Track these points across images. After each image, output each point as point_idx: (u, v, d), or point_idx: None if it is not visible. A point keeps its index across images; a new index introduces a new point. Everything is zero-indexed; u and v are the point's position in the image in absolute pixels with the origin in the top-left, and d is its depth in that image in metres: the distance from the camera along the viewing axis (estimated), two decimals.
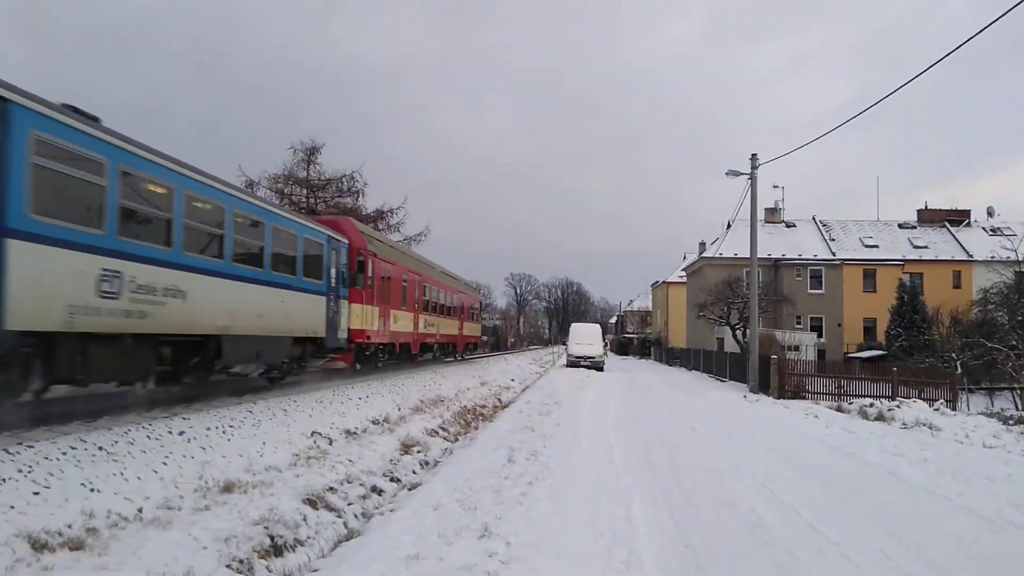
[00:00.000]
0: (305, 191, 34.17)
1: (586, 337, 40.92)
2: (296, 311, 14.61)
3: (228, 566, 5.93)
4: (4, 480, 6.06)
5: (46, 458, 6.72)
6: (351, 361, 19.03)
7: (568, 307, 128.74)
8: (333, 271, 16.77)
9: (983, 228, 52.94)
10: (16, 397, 7.98)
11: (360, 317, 18.62)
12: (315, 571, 5.94)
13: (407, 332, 24.02)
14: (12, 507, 5.72)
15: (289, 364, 15.39)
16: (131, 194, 9.33)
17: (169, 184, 10.20)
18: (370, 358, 20.64)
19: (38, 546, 5.37)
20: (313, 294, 15.58)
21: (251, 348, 12.86)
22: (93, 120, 8.87)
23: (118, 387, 9.99)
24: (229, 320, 11.77)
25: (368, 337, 19.50)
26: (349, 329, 17.87)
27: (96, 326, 8.57)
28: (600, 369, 38.34)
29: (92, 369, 8.88)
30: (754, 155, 26.64)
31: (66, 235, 8.07)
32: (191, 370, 11.30)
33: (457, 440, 13.98)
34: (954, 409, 21.29)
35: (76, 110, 8.61)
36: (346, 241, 17.96)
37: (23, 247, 7.39)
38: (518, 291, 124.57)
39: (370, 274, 19.23)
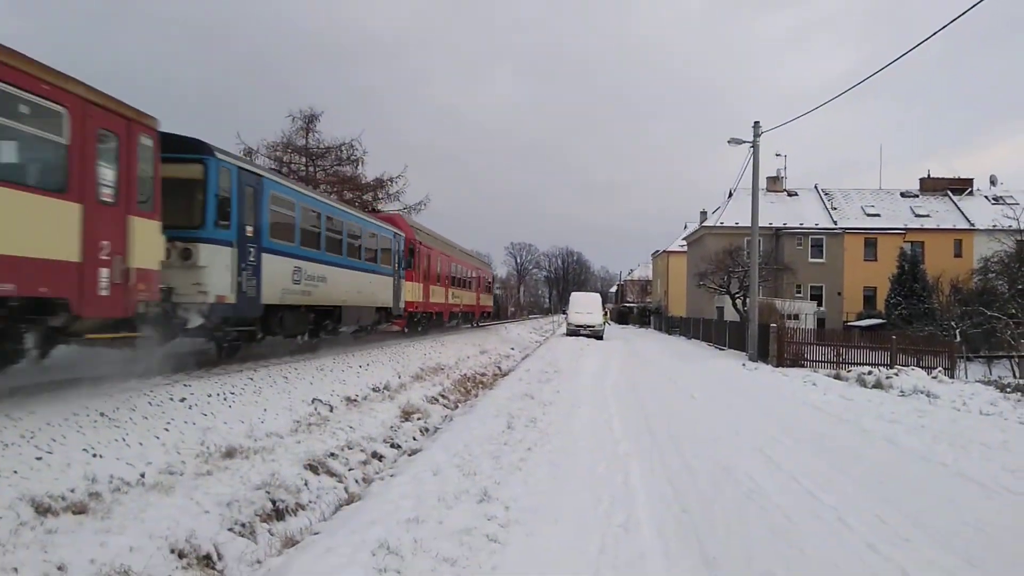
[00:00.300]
0: (304, 159, 33.96)
1: (586, 306, 40.94)
2: (378, 288, 19.96)
3: (230, 529, 6.01)
4: (6, 445, 6.10)
5: (48, 424, 6.75)
6: (403, 325, 24.62)
7: (568, 276, 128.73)
8: (396, 257, 21.89)
9: (985, 197, 52.66)
10: (254, 342, 13.66)
11: (411, 292, 24.02)
12: (316, 534, 6.00)
13: (440, 303, 29.23)
14: (15, 472, 5.76)
15: (371, 326, 20.59)
16: (303, 219, 14.60)
17: (318, 209, 15.64)
18: (415, 324, 25.94)
19: (41, 510, 5.42)
20: (386, 276, 20.84)
21: (356, 315, 18.39)
22: (286, 176, 14.39)
23: (285, 337, 14.79)
24: (345, 296, 17.17)
25: (416, 307, 24.87)
26: (405, 301, 23.08)
27: (291, 300, 13.94)
28: (600, 338, 38.44)
29: (285, 326, 14.15)
30: (756, 123, 26.44)
31: (282, 248, 13.45)
32: (323, 329, 16.57)
33: (457, 407, 14.07)
34: (952, 377, 21.39)
35: (280, 172, 13.61)
36: (403, 234, 23.08)
37: (268, 257, 12.76)
38: (518, 260, 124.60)
39: (417, 259, 24.73)
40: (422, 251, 25.56)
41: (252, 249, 12.20)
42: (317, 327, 16.16)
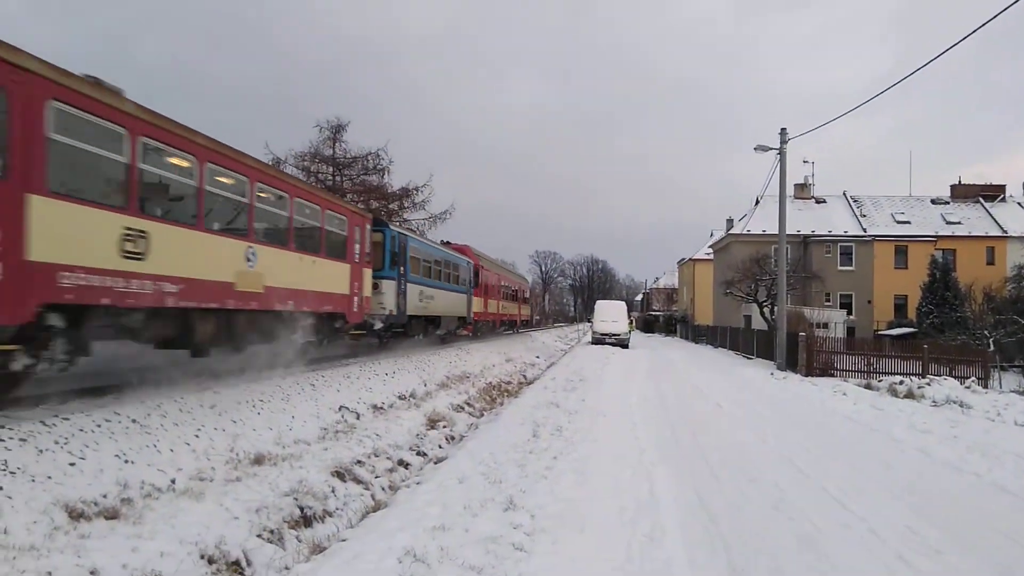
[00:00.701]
0: (331, 169, 34.31)
1: (611, 314, 40.78)
2: (459, 303, 27.56)
3: (259, 536, 6.07)
4: (41, 451, 6.22)
5: (81, 430, 6.88)
6: (471, 330, 31.47)
7: (593, 284, 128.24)
8: (468, 279, 29.31)
9: (1018, 203, 51.69)
10: (403, 338, 21.36)
11: (477, 305, 31.52)
12: (343, 541, 6.05)
13: (494, 313, 36.98)
14: (49, 477, 5.88)
15: (454, 331, 28.38)
16: (423, 258, 22.21)
17: (431, 251, 23.84)
18: (477, 329, 33.32)
19: (75, 515, 5.52)
20: (463, 294, 28.43)
21: (447, 322, 26.27)
22: (412, 232, 24.28)
23: (411, 336, 21.91)
24: (443, 309, 24.83)
25: (479, 317, 32.40)
26: (473, 312, 30.50)
27: (418, 312, 21.45)
28: (625, 346, 38.25)
29: (414, 329, 21.81)
30: (783, 129, 26.23)
31: (415, 279, 20.74)
32: (429, 331, 24.14)
33: (482, 415, 14.09)
34: (986, 387, 20.99)
35: (410, 228, 27.25)
36: (472, 262, 30.53)
37: (410, 286, 20.01)
38: (543, 268, 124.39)
39: (480, 280, 32.15)
40: (483, 274, 33.09)
41: (403, 281, 19.76)
42: (426, 330, 23.90)
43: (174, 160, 9.32)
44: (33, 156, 6.95)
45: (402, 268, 19.57)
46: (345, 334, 16.52)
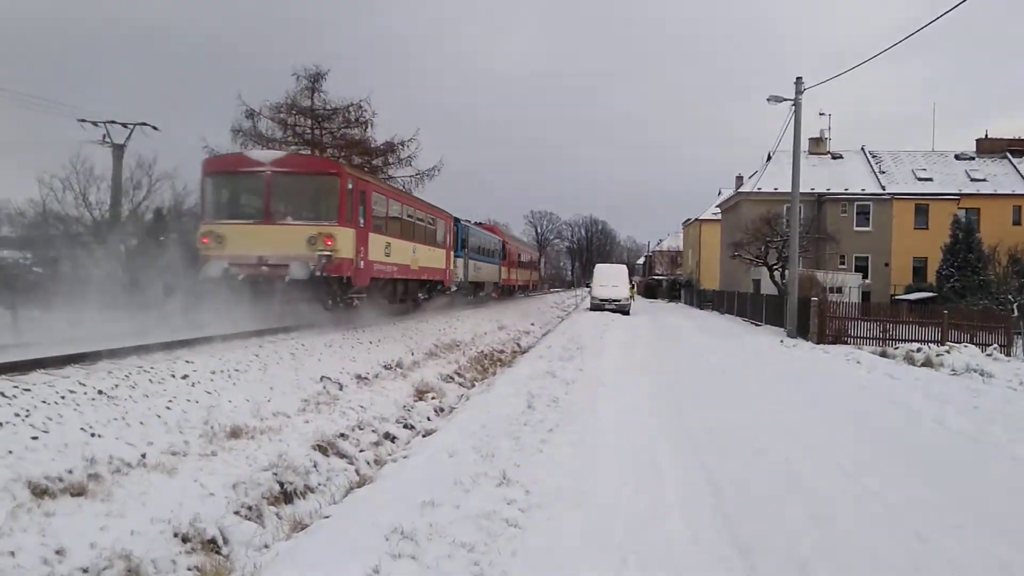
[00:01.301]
0: (310, 122, 33.90)
1: (611, 278, 40.78)
2: (494, 272, 40.39)
3: (236, 512, 6.10)
4: (1, 424, 6.21)
5: (43, 402, 6.87)
6: (498, 293, 43.63)
7: (592, 247, 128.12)
8: (499, 253, 41.59)
9: None
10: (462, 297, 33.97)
11: (504, 273, 44.05)
12: (327, 518, 6.07)
13: (514, 279, 50.06)
14: (11, 452, 5.88)
15: (490, 292, 39.96)
16: (474, 240, 35.69)
17: (479, 236, 37.62)
18: (502, 292, 45.37)
19: (38, 492, 5.53)
20: (496, 265, 40.87)
21: (488, 286, 39.74)
22: (469, 222, 35.27)
23: (466, 296, 34.52)
24: (485, 277, 38.38)
25: (504, 282, 44.74)
26: (502, 279, 43.43)
27: (473, 279, 35.37)
28: (626, 313, 38.32)
29: (471, 291, 35.53)
30: (799, 79, 26.01)
31: (473, 256, 35.19)
32: (477, 292, 37.31)
33: (474, 386, 14.15)
34: (1008, 355, 21.14)
35: (468, 221, 35.18)
36: (501, 239, 43.73)
37: (471, 262, 34.46)
38: (539, 230, 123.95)
39: (506, 253, 44.44)
40: (507, 248, 45.44)
41: (466, 258, 31.50)
42: (475, 292, 35.74)
43: (395, 206, 20.74)
44: (368, 216, 17.71)
45: (465, 249, 31.74)
46: (441, 293, 27.60)
